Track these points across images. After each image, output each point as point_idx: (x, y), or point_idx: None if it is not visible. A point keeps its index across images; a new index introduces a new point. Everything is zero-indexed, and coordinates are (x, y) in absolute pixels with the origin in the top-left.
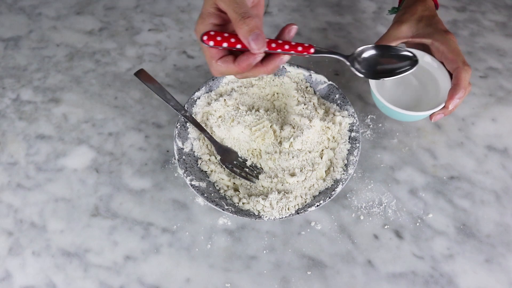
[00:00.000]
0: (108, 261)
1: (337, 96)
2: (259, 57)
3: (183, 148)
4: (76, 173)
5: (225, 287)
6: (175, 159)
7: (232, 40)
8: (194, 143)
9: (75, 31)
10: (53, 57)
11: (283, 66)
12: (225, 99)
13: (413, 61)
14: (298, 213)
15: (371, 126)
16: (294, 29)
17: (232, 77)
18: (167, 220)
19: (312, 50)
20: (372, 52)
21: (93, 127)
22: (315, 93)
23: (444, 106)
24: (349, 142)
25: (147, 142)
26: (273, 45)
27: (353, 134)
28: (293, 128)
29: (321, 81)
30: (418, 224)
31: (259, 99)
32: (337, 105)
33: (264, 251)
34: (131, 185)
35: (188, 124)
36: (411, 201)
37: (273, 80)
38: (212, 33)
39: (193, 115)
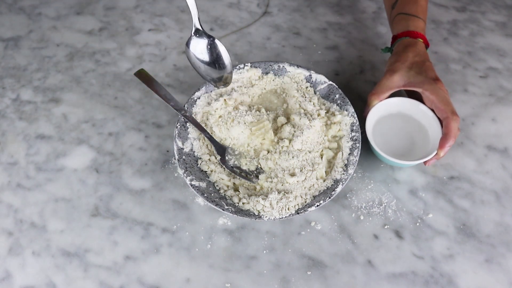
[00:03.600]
0: (108, 261)
1: (337, 96)
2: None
3: (183, 148)
4: (76, 173)
5: (225, 287)
6: (175, 159)
7: None
8: (194, 143)
9: (75, 31)
10: (53, 57)
11: (283, 66)
12: (225, 99)
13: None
14: (298, 213)
15: None
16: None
17: (233, 78)
18: (167, 220)
19: None
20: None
21: (93, 127)
22: (315, 93)
23: (436, 153)
24: (348, 142)
25: (147, 142)
26: None
27: (353, 134)
28: (293, 127)
29: (321, 81)
30: (418, 224)
31: (259, 99)
32: (337, 105)
33: (264, 251)
34: (131, 185)
35: (188, 124)
36: (411, 201)
37: (273, 80)
38: None
39: (193, 115)
